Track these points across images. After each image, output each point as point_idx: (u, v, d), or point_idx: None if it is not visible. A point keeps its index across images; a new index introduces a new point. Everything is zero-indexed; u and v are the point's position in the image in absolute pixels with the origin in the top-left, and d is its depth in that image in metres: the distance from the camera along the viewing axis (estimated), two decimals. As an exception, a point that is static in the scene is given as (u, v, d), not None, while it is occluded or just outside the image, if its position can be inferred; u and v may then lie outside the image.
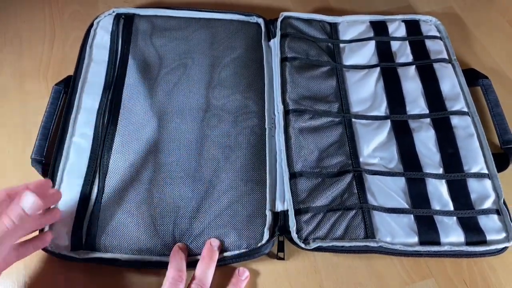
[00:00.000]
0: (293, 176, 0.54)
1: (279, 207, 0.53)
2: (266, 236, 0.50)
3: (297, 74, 0.63)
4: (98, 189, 0.52)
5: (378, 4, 0.78)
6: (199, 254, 0.49)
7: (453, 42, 0.69)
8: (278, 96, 0.60)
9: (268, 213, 0.52)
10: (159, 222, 0.50)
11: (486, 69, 0.68)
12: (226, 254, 0.49)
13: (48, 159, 0.54)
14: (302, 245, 0.50)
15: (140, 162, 0.54)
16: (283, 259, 0.51)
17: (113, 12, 0.66)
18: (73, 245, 0.48)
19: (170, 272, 0.46)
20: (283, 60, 0.64)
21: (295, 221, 0.51)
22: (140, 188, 0.52)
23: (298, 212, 0.52)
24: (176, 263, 0.47)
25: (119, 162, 0.54)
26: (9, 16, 0.72)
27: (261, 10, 0.74)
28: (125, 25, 0.65)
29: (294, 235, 0.50)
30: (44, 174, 0.53)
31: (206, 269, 0.47)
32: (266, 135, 0.58)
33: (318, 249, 0.50)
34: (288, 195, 0.53)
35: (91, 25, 0.64)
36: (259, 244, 0.49)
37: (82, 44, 0.63)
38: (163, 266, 0.48)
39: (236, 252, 0.49)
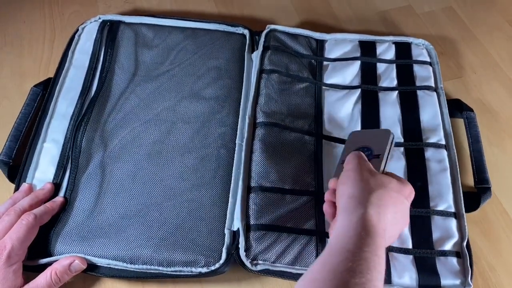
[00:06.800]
0: (249, 191, 0.53)
1: (236, 225, 0.51)
2: (224, 256, 0.49)
3: (273, 87, 0.61)
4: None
5: (379, 4, 0.77)
6: (158, 265, 0.48)
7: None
8: (249, 108, 0.59)
9: (227, 232, 0.51)
10: (116, 231, 0.50)
11: (486, 69, 0.67)
12: (182, 269, 0.48)
13: (16, 161, 0.54)
14: (248, 265, 0.48)
15: (101, 171, 0.55)
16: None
17: (99, 18, 0.67)
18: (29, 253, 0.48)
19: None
20: (261, 72, 0.63)
21: (244, 238, 0.49)
22: (101, 195, 0.53)
23: (248, 229, 0.50)
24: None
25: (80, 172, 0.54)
26: (9, 16, 0.74)
27: (256, 21, 0.73)
28: (110, 32, 0.66)
29: (241, 252, 0.48)
30: (10, 177, 0.54)
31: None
32: (236, 150, 0.57)
33: (265, 272, 0.49)
34: (240, 210, 0.51)
35: (76, 30, 0.66)
36: (217, 265, 0.48)
37: (65, 48, 0.64)
38: (114, 274, 0.48)
39: (193, 269, 0.48)
